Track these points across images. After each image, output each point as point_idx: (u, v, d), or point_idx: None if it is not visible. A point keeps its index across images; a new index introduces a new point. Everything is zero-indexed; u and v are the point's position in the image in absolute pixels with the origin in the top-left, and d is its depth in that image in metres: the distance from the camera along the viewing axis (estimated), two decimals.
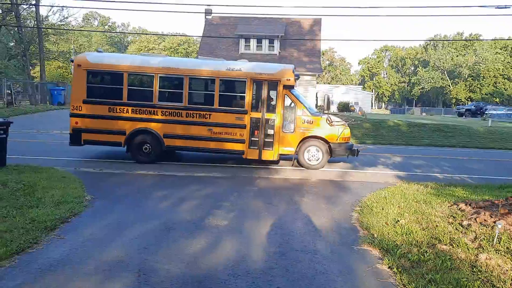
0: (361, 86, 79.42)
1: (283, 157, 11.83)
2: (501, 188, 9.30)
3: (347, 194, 8.46)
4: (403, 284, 4.10)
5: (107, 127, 11.16)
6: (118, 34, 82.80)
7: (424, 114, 57.19)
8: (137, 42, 72.78)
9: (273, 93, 11.31)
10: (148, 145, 11.21)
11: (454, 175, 11.33)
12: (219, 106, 11.11)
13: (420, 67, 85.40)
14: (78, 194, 7.32)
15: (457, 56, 78.62)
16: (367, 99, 59.11)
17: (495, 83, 75.83)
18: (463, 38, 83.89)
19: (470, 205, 7.17)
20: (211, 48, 33.57)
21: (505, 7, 20.66)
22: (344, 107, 40.70)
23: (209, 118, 11.11)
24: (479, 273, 4.34)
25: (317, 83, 36.39)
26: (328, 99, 12.29)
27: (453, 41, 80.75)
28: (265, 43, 33.14)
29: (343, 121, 11.97)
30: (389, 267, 4.56)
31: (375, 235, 5.63)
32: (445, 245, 5.23)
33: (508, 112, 44.27)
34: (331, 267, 4.56)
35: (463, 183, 10.06)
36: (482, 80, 75.88)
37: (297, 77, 11.60)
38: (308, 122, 11.33)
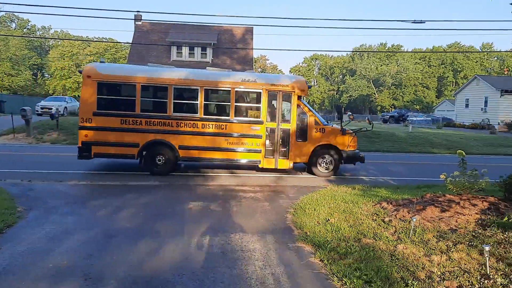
0: None
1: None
2: (418, 188, 10.25)
3: (282, 197, 8.94)
4: (332, 273, 4.58)
5: (119, 139, 10.92)
6: (39, 38, 78.83)
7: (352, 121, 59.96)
8: (59, 47, 69.66)
9: (287, 103, 11.59)
10: (162, 156, 11.13)
11: (378, 178, 12.27)
12: (235, 116, 11.29)
13: (348, 76, 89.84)
14: (8, 205, 7.14)
15: (381, 66, 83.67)
16: None
17: (415, 91, 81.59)
18: (386, 48, 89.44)
19: (391, 203, 7.93)
20: (142, 55, 33.16)
21: (421, 22, 22.60)
22: None
23: (225, 128, 11.23)
24: (397, 260, 4.92)
25: None
26: (341, 109, 12.62)
27: (377, 52, 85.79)
28: (198, 50, 33.35)
29: (351, 130, 12.48)
30: (320, 260, 5.03)
31: (308, 233, 6.12)
32: (369, 239, 5.81)
33: (427, 118, 47.91)
34: (269, 263, 4.95)
35: (386, 185, 10.96)
36: (404, 88, 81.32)
37: (309, 87, 12.01)
38: (320, 131, 11.78)
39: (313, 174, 12.02)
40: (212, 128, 11.22)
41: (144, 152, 11.08)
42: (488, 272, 4.44)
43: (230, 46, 33.85)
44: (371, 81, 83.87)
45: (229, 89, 11.29)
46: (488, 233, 6.02)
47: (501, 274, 4.43)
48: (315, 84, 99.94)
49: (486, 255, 4.52)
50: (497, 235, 5.90)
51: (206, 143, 11.22)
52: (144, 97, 11.09)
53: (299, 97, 11.57)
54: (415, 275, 4.46)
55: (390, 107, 79.30)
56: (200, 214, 7.35)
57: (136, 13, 33.95)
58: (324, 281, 4.46)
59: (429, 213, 7.09)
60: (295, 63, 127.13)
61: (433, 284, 4.22)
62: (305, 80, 11.93)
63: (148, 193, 8.95)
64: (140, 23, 35.09)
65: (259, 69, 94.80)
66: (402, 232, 6.08)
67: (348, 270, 4.59)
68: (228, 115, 11.31)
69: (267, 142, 11.45)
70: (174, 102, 11.11)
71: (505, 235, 5.85)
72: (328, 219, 6.82)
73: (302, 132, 11.71)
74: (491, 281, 4.25)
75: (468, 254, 5.11)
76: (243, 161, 11.47)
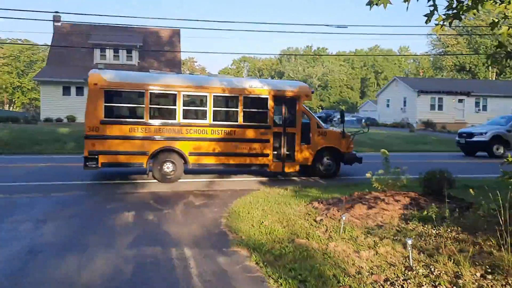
0: None
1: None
2: (347, 186, 10.70)
3: (216, 202, 8.92)
4: (268, 275, 4.65)
5: (128, 148, 10.70)
6: None
7: None
8: None
9: (292, 108, 11.93)
10: (172, 164, 11.02)
11: (309, 178, 12.62)
12: (243, 122, 11.48)
13: (277, 77, 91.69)
14: None
15: (308, 68, 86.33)
16: None
17: (341, 92, 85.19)
18: (313, 51, 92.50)
19: (322, 203, 8.22)
20: (63, 57, 31.60)
21: (344, 27, 23.62)
22: None
23: (234, 134, 11.38)
24: (329, 258, 5.11)
25: None
26: (343, 113, 13.15)
27: (304, 55, 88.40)
28: (123, 53, 32.39)
29: (349, 133, 13.07)
30: (256, 263, 5.09)
31: (243, 237, 6.16)
32: (302, 239, 5.98)
33: (352, 118, 50.13)
34: (205, 269, 4.92)
35: (317, 184, 11.33)
36: (330, 89, 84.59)
37: (312, 92, 12.38)
38: (322, 134, 12.31)
39: (315, 175, 12.39)
40: (221, 134, 11.35)
41: (153, 160, 10.94)
42: (411, 264, 4.74)
43: (157, 48, 33.20)
44: None
45: (237, 95, 11.53)
46: (410, 227, 6.43)
47: (422, 265, 4.75)
48: None
49: (409, 248, 4.83)
50: (418, 228, 6.33)
51: (216, 149, 11.28)
52: (152, 104, 11.01)
53: (303, 102, 12.06)
54: (346, 271, 4.65)
55: (318, 107, 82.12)
56: (131, 223, 7.13)
57: (55, 13, 32.20)
58: (260, 283, 4.52)
59: (357, 210, 7.44)
60: (224, 65, 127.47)
61: (362, 279, 4.43)
62: (308, 85, 12.58)
63: (73, 203, 8.52)
64: (59, 24, 33.34)
65: (187, 72, 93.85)
66: (333, 230, 6.32)
67: (283, 271, 4.69)
68: (237, 121, 11.52)
69: (275, 146, 11.71)
70: (183, 109, 11.14)
71: (425, 228, 6.29)
72: (263, 222, 6.92)
73: (306, 136, 12.13)
74: (414, 272, 4.54)
75: (393, 248, 5.42)
76: (252, 165, 11.73)
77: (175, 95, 11.10)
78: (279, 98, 11.88)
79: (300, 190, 10.10)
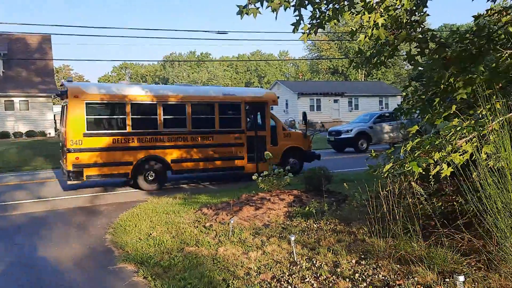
0: None
1: None
2: (236, 189, 10.89)
3: (99, 218, 8.45)
4: None
5: (112, 159, 10.88)
6: None
7: None
8: None
9: (261, 114, 12.93)
10: (154, 172, 11.45)
11: (199, 184, 12.62)
12: (219, 128, 12.17)
13: (161, 84, 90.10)
14: None
15: (192, 73, 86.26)
16: None
17: None
18: (196, 57, 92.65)
19: (211, 208, 8.26)
20: None
21: (224, 33, 24.07)
22: None
23: (212, 139, 12.06)
24: (218, 263, 5.15)
25: (54, 104, 33.94)
26: (305, 115, 14.03)
27: (187, 60, 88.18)
28: None
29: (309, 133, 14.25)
30: (144, 277, 4.93)
31: (130, 252, 5.92)
32: (191, 247, 5.94)
33: None
34: None
35: (207, 190, 11.37)
36: None
37: (278, 97, 13.42)
38: (287, 136, 13.43)
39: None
40: (200, 140, 11.97)
41: (137, 170, 11.21)
42: (295, 259, 4.99)
43: (24, 56, 30.36)
44: None
45: (214, 102, 12.24)
46: (294, 223, 6.78)
47: (306, 259, 5.04)
48: None
49: (292, 244, 5.08)
50: (301, 224, 6.69)
51: (196, 155, 11.90)
52: (134, 114, 11.23)
53: (270, 107, 13.02)
54: (235, 274, 4.73)
55: None
56: (2, 249, 6.42)
57: None
58: None
59: (245, 212, 7.62)
60: (103, 72, 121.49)
61: (251, 279, 4.55)
62: (274, 92, 13.99)
63: None
64: None
65: (62, 80, 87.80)
66: (222, 235, 6.38)
67: (173, 282, 4.61)
68: (214, 127, 12.17)
69: (248, 149, 12.50)
70: (164, 118, 11.55)
71: (307, 223, 6.68)
72: (150, 234, 6.73)
73: (274, 138, 13.11)
74: (298, 266, 4.79)
75: (279, 245, 5.65)
76: (230, 168, 12.46)
77: (155, 105, 11.51)
78: (250, 104, 12.81)
79: (189, 197, 10.03)
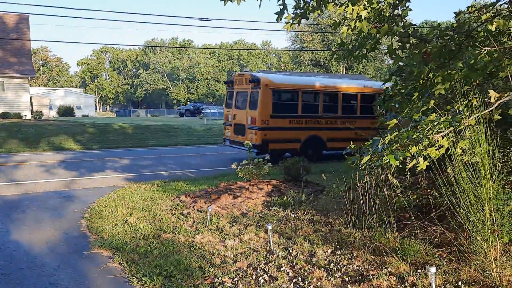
0: (83, 89, 76.43)
1: None
2: (215, 178, 10.88)
3: (75, 203, 8.32)
4: (132, 275, 4.50)
5: (288, 136, 13.42)
6: None
7: (149, 115, 59.74)
8: None
9: None
10: (313, 149, 13.78)
11: (177, 171, 12.56)
12: (360, 114, 14.71)
13: (142, 70, 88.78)
14: None
15: (174, 60, 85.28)
16: (90, 102, 57.43)
17: (208, 85, 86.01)
18: (178, 43, 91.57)
19: (189, 196, 8.23)
20: None
21: (207, 20, 23.82)
22: (66, 111, 36.85)
23: (355, 123, 13.76)
24: (195, 250, 5.15)
25: (30, 86, 33.08)
26: None
27: (169, 47, 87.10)
28: None
29: None
30: (119, 263, 4.89)
31: (105, 238, 5.86)
32: (168, 233, 5.92)
33: (219, 111, 51.09)
34: (62, 277, 4.56)
35: (185, 178, 11.30)
36: (197, 82, 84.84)
37: None
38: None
39: None
40: (346, 123, 13.93)
41: (303, 146, 13.59)
42: (272, 248, 5.03)
43: (1, 36, 29.47)
44: (165, 75, 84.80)
45: (357, 93, 14.70)
46: (272, 213, 6.81)
47: (282, 248, 5.08)
48: (107, 78, 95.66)
49: (269, 233, 5.11)
50: (279, 214, 6.73)
51: (343, 135, 13.27)
52: (303, 101, 13.80)
53: None
54: (212, 262, 4.74)
55: (186, 100, 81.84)
56: None
57: None
58: (123, 284, 4.36)
59: (223, 201, 7.62)
60: (82, 55, 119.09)
61: (227, 267, 4.56)
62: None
63: None
64: None
65: (41, 62, 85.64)
66: (200, 223, 6.37)
67: (148, 268, 4.58)
68: (356, 113, 14.70)
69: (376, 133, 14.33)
70: (323, 105, 14.09)
71: (285, 213, 6.72)
72: (127, 220, 6.66)
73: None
74: (275, 255, 4.83)
75: (256, 234, 5.68)
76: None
77: (318, 93, 14.07)
78: (378, 95, 14.85)
79: (168, 184, 9.97)
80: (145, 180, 10.49)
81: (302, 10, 4.55)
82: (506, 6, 4.85)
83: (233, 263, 4.68)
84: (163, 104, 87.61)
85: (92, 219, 6.90)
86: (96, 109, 68.71)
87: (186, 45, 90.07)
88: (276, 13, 4.54)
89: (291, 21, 4.61)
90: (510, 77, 4.10)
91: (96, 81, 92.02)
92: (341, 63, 66.82)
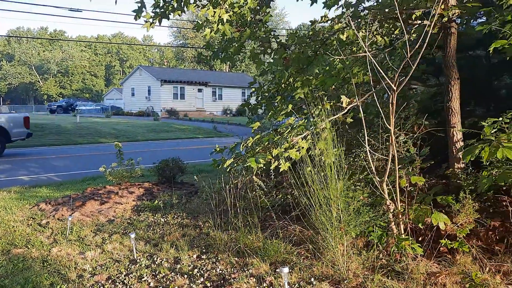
0: None
1: None
2: (83, 181, 10.16)
3: None
4: None
5: None
6: None
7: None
8: None
9: None
10: None
11: (41, 175, 11.46)
12: None
13: (5, 61, 79.75)
14: None
15: (44, 52, 78.23)
16: None
17: (84, 80, 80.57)
18: (48, 34, 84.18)
19: (50, 203, 7.52)
20: None
21: (78, 11, 22.22)
22: None
23: None
24: (49, 266, 4.68)
25: None
26: None
27: (38, 38, 79.65)
28: None
29: None
30: None
31: None
32: (20, 248, 5.32)
33: (96, 107, 48.22)
34: None
35: (49, 182, 10.36)
36: (72, 76, 78.96)
37: None
38: None
39: None
40: None
41: None
42: (136, 257, 4.80)
43: None
44: (33, 67, 77.31)
45: None
46: (141, 218, 6.54)
47: (147, 256, 4.88)
48: None
49: (132, 241, 4.88)
50: (148, 219, 6.49)
51: None
52: None
53: None
54: (66, 277, 4.36)
55: (58, 96, 75.61)
56: None
57: None
58: None
59: (89, 207, 7.11)
60: None
61: (83, 282, 4.23)
62: None
63: None
64: None
65: None
66: (59, 233, 5.85)
67: None
68: None
69: None
70: None
71: (155, 218, 6.51)
72: None
73: None
74: (137, 265, 4.61)
75: (121, 243, 5.38)
76: None
77: None
78: None
79: (27, 190, 9.05)
80: (2, 187, 9.37)
81: (162, 10, 4.39)
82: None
83: (90, 277, 4.36)
84: (31, 100, 79.75)
85: None
86: None
87: (58, 36, 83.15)
88: (134, 11, 4.32)
89: (150, 20, 4.42)
90: (354, 85, 4.44)
91: None
92: (216, 61, 67.75)
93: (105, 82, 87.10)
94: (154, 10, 4.38)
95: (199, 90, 46.39)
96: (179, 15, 4.41)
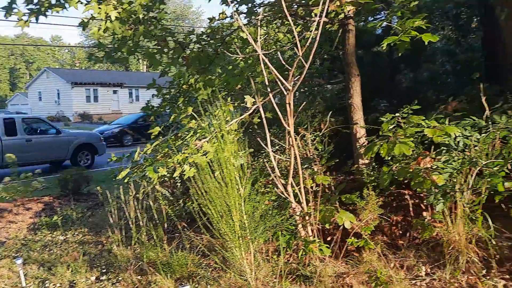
0: None
1: None
2: None
3: None
4: None
5: None
6: None
7: None
8: None
9: None
10: None
11: None
12: None
13: None
14: None
15: None
16: None
17: None
18: None
19: None
20: None
21: None
22: None
23: None
24: None
25: None
26: None
27: None
28: None
29: None
30: None
31: None
32: None
33: None
34: None
35: None
36: None
37: None
38: None
39: None
40: None
41: None
42: (24, 285, 4.25)
43: None
44: None
45: None
46: (38, 237, 5.91)
47: (39, 282, 4.35)
48: None
49: (19, 268, 4.29)
50: (46, 238, 5.88)
51: None
52: None
53: None
54: None
55: None
56: None
57: None
58: None
59: None
60: None
61: None
62: None
63: None
64: None
65: None
66: None
67: None
68: None
69: None
70: None
71: (53, 236, 5.91)
72: None
73: None
74: None
75: (10, 269, 4.78)
76: None
77: None
78: None
79: None
80: None
81: (38, 6, 3.88)
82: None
83: None
84: None
85: None
86: None
87: None
88: (3, 8, 3.77)
89: (24, 17, 3.89)
90: (254, 85, 4.27)
91: None
92: (140, 60, 65.47)
93: (10, 86, 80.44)
94: (28, 7, 3.87)
95: (114, 92, 44.33)
96: (57, 12, 3.94)
